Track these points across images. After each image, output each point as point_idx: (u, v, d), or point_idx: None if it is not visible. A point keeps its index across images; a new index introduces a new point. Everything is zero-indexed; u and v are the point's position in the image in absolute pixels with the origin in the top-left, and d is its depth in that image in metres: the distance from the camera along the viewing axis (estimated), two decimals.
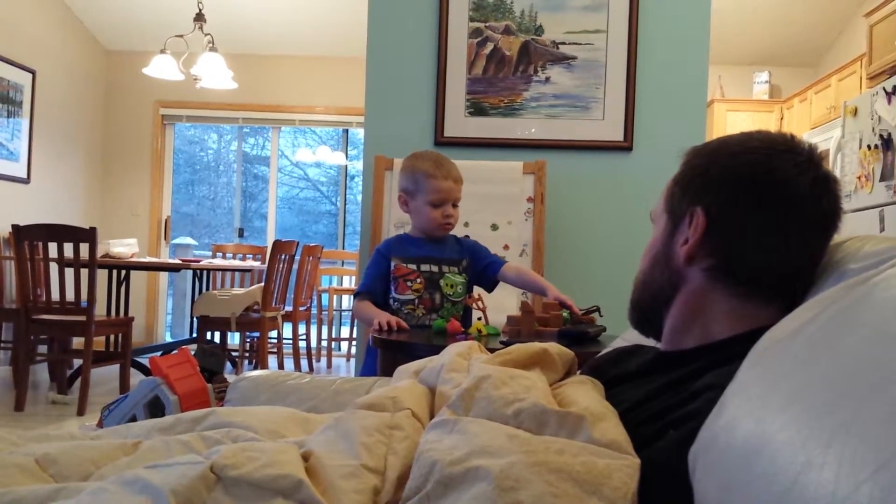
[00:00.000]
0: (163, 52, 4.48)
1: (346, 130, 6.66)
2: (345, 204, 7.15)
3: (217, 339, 5.01)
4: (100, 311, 3.91)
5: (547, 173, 2.74)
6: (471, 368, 0.85)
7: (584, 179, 2.92)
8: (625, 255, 2.72)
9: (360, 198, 3.12)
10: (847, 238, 0.81)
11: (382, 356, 1.79)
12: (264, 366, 4.36)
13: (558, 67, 2.90)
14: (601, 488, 0.58)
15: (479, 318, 1.95)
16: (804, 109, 5.28)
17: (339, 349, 6.05)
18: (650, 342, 0.97)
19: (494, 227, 2.70)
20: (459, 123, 2.92)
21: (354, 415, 0.75)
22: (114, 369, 3.93)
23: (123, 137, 6.19)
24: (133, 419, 1.26)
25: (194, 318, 4.68)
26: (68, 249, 3.50)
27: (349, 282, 6.15)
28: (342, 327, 6.27)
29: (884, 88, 3.73)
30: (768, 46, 5.64)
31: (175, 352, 1.38)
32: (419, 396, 0.84)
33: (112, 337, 4.37)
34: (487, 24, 2.91)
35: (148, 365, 1.56)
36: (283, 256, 4.44)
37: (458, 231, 2.27)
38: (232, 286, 5.38)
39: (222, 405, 1.31)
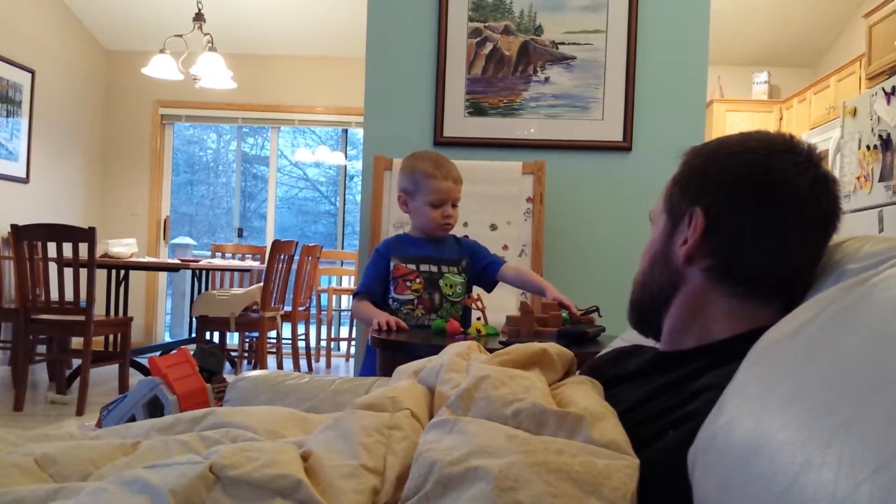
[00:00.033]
0: (162, 51, 4.47)
1: (346, 130, 6.66)
2: (344, 204, 7.15)
3: (216, 338, 5.01)
4: (99, 310, 3.91)
5: (546, 173, 2.74)
6: (470, 368, 0.85)
7: (583, 179, 2.92)
8: (624, 255, 2.72)
9: (359, 198, 3.12)
10: (846, 238, 0.81)
11: (381, 356, 1.79)
12: (263, 366, 4.36)
13: (557, 67, 2.90)
14: (600, 488, 0.58)
15: (479, 319, 1.94)
16: (803, 110, 5.29)
17: (339, 349, 6.05)
18: (649, 342, 0.97)
19: (494, 228, 2.70)
20: (459, 123, 2.92)
21: (353, 415, 0.75)
22: (113, 369, 3.93)
23: (123, 137, 6.19)
24: (132, 419, 1.26)
25: (193, 318, 4.68)
26: (67, 249, 3.50)
27: (348, 282, 6.15)
28: (341, 327, 6.26)
29: (883, 89, 3.73)
30: (767, 47, 5.64)
31: (174, 352, 1.37)
32: (418, 396, 0.84)
33: (111, 337, 4.36)
34: (487, 24, 2.91)
35: (147, 365, 1.56)
36: (282, 256, 4.44)
37: (458, 231, 2.27)
38: (231, 286, 5.38)
39: (221, 405, 1.30)
